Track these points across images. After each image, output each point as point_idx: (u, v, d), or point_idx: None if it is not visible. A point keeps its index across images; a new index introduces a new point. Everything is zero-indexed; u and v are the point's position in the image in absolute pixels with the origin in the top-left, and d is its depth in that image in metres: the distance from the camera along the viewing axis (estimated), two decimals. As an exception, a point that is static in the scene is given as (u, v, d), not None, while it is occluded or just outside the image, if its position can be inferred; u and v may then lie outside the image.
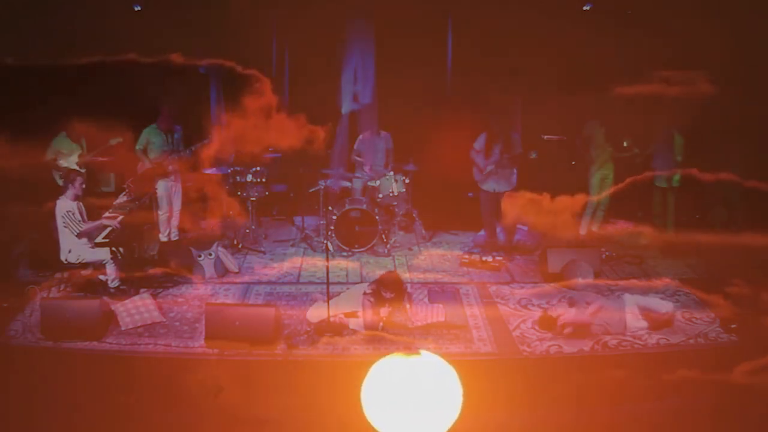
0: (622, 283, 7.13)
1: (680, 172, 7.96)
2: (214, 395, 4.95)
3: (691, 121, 7.69)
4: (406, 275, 7.37)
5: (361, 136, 8.69)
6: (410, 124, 8.62)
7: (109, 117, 7.51)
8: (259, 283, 7.32)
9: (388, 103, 8.90)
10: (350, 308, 6.20)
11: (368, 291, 6.06)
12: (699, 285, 6.91)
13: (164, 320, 6.35)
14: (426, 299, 6.83)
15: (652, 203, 8.44)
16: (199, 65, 8.67)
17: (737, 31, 7.15)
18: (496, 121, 7.84)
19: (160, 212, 8.03)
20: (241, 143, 7.72)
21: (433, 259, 8.09)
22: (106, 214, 7.06)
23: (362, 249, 8.07)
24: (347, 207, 8.04)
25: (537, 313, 6.49)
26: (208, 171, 8.33)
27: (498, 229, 8.16)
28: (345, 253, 8.04)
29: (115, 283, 6.74)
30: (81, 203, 6.75)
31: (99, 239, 6.84)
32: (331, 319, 6.09)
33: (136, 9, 8.64)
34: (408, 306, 6.23)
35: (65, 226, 6.56)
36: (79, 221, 6.63)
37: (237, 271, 7.53)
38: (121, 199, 7.47)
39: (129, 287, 6.75)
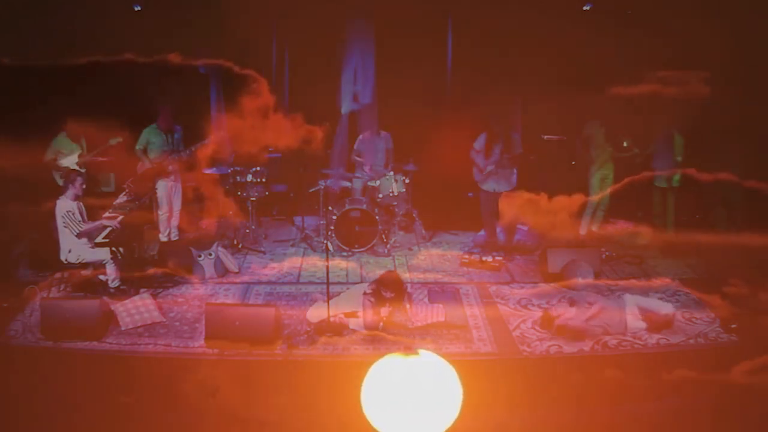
0: (622, 283, 7.13)
1: (680, 172, 7.96)
2: (211, 395, 4.95)
3: (691, 121, 7.70)
4: (406, 275, 7.37)
5: (361, 136, 8.69)
6: (410, 124, 8.61)
7: (108, 117, 7.52)
8: (259, 283, 7.32)
9: (388, 103, 8.90)
10: (350, 308, 6.20)
11: (368, 291, 6.06)
12: (699, 285, 6.91)
13: (164, 320, 6.35)
14: (426, 299, 6.83)
15: (652, 203, 8.44)
16: (199, 65, 8.67)
17: (737, 31, 7.15)
18: (496, 121, 7.84)
19: (160, 212, 8.03)
20: (239, 143, 7.74)
21: (433, 259, 8.09)
22: (106, 214, 7.06)
23: (362, 249, 8.07)
24: (347, 207, 8.04)
25: (537, 313, 6.49)
26: (208, 171, 8.34)
27: (498, 229, 8.16)
28: (345, 253, 8.04)
29: (115, 283, 6.74)
30: (81, 203, 6.75)
31: (99, 239, 6.84)
32: (331, 319, 6.09)
33: (136, 9, 8.64)
34: (408, 306, 6.23)
35: (65, 226, 6.56)
36: (79, 221, 6.63)
37: (237, 271, 7.53)
38: (121, 199, 7.47)
39: (129, 287, 6.76)
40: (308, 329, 6.17)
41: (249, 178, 8.23)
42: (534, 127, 9.38)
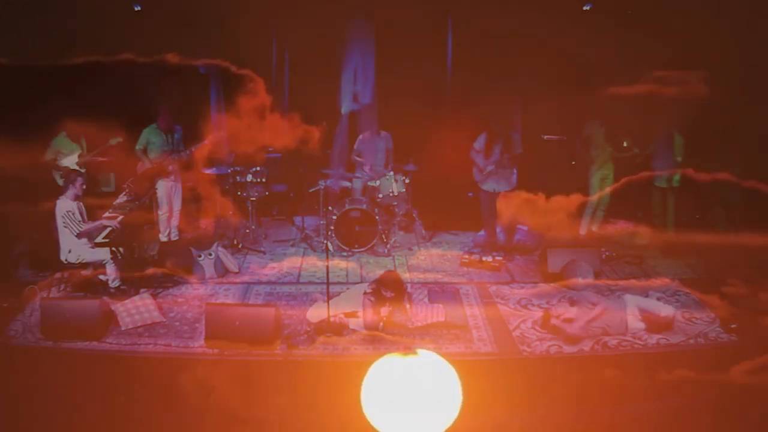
0: (622, 283, 7.13)
1: (678, 172, 7.96)
2: (207, 394, 4.95)
3: (691, 121, 7.70)
4: (406, 275, 7.37)
5: (361, 136, 8.69)
6: (410, 124, 8.61)
7: (108, 117, 7.52)
8: (259, 283, 7.32)
9: (388, 103, 8.90)
10: (350, 308, 6.20)
11: (368, 290, 6.06)
12: (699, 285, 6.91)
13: (164, 320, 6.35)
14: (426, 299, 6.83)
15: (652, 203, 8.44)
16: (199, 65, 8.67)
17: (737, 31, 7.14)
18: (496, 121, 7.84)
19: (160, 212, 8.03)
20: (236, 143, 7.74)
21: (433, 259, 8.09)
22: (106, 214, 7.06)
23: (362, 249, 8.07)
24: (347, 207, 8.04)
25: (537, 313, 6.49)
26: (208, 171, 8.34)
27: (498, 229, 8.16)
28: (345, 253, 8.04)
29: (115, 283, 6.74)
30: (81, 203, 6.75)
31: (99, 239, 6.84)
32: (331, 319, 6.09)
33: (136, 9, 8.64)
34: (408, 306, 6.23)
35: (65, 226, 6.56)
36: (79, 221, 6.63)
37: (237, 271, 7.53)
38: (121, 199, 7.47)
39: (129, 287, 6.76)
40: (308, 329, 6.17)
41: (249, 178, 8.23)
42: (534, 127, 9.37)
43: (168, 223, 8.10)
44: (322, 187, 8.38)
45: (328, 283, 6.12)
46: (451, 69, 9.51)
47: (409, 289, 6.51)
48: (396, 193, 8.16)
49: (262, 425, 4.82)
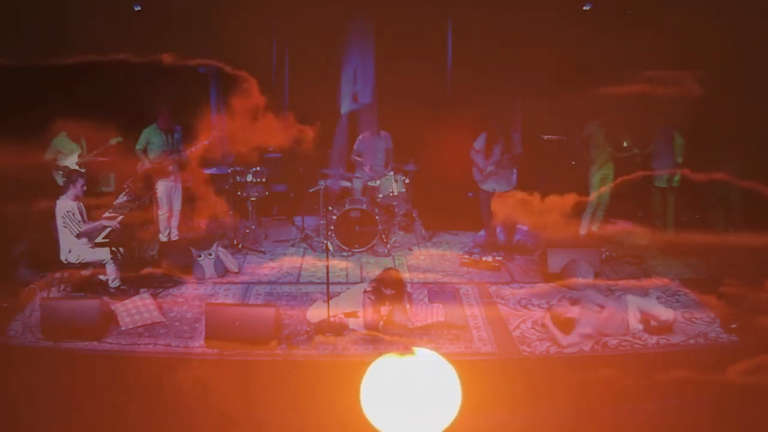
0: (622, 283, 7.12)
1: (676, 172, 7.96)
2: (202, 391, 4.94)
3: (691, 121, 7.70)
4: (406, 275, 7.37)
5: (361, 136, 8.69)
6: (410, 124, 8.61)
7: (109, 117, 7.52)
8: (259, 283, 7.32)
9: (388, 103, 8.91)
10: (350, 308, 6.20)
11: (369, 288, 6.07)
12: (698, 285, 6.91)
13: (164, 320, 6.35)
14: (426, 299, 6.83)
15: (652, 203, 8.44)
16: (199, 65, 8.68)
17: (737, 31, 7.15)
18: (496, 121, 7.83)
19: (160, 212, 8.03)
20: (232, 143, 7.73)
21: (433, 259, 8.09)
22: (106, 214, 7.06)
23: (362, 249, 8.07)
24: (347, 207, 8.04)
25: (537, 313, 6.49)
26: (208, 171, 8.34)
27: (498, 229, 8.16)
28: (345, 253, 8.04)
29: (115, 283, 6.74)
30: (81, 203, 6.75)
31: (99, 239, 6.84)
32: (331, 319, 6.09)
33: (136, 9, 8.64)
34: (408, 306, 6.23)
35: (65, 226, 6.56)
36: (79, 221, 6.63)
37: (237, 271, 7.53)
38: (121, 199, 7.47)
39: (129, 287, 6.76)
40: (308, 329, 6.17)
41: (249, 178, 8.24)
42: (534, 127, 9.38)
43: (168, 223, 8.09)
44: (322, 187, 8.38)
45: (328, 283, 6.12)
46: (451, 69, 9.52)
47: (409, 289, 6.51)
48: (396, 193, 8.16)
49: (261, 425, 4.82)
